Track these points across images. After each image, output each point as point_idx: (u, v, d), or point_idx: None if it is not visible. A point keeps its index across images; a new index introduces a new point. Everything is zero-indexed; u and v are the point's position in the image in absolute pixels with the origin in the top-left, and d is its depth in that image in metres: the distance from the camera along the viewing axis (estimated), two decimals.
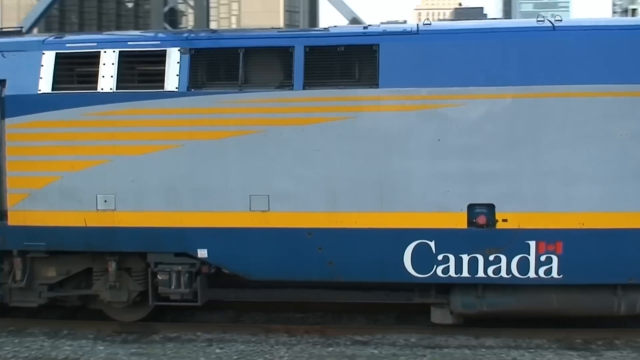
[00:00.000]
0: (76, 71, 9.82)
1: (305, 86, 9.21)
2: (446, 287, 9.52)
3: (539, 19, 9.33)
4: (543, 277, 9.06)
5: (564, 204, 8.91)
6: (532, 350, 9.10)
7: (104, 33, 11.89)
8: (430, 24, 9.50)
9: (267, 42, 9.65)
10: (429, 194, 9.07)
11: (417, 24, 9.61)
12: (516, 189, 8.95)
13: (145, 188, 9.50)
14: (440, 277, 9.22)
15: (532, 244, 8.98)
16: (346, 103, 9.16)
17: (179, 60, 9.43)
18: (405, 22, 10.34)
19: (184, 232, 9.53)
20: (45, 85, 9.63)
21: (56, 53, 9.71)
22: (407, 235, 9.18)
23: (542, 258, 9.00)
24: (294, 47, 9.30)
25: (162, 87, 9.43)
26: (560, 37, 9.04)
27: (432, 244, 9.12)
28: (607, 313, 9.37)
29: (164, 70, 9.46)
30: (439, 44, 9.20)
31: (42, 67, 9.69)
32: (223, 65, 9.57)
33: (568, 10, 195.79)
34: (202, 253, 9.55)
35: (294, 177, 9.25)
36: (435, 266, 9.17)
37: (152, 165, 9.45)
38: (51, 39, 9.99)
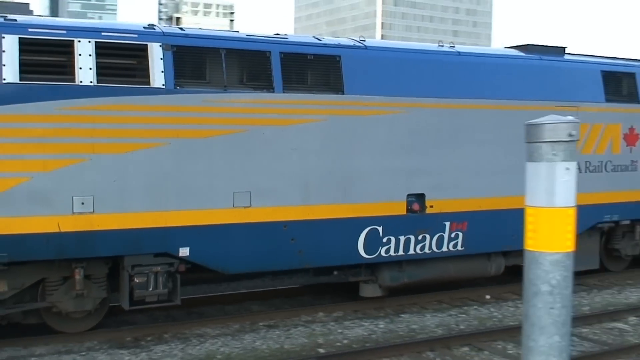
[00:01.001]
0: (46, 60, 8.79)
1: (285, 90, 9.97)
2: (373, 266, 11.20)
3: (440, 44, 11.70)
4: (452, 250, 11.43)
5: (470, 192, 11.45)
6: (83, 353, 9.04)
7: (64, 20, 10.50)
8: (364, 40, 11.09)
9: (246, 45, 9.93)
10: (380, 187, 10.73)
11: (363, 40, 11.13)
12: (440, 181, 11.19)
13: (127, 188, 9.03)
14: (382, 256, 10.87)
15: (447, 224, 11.31)
16: (320, 107, 10.23)
17: (162, 57, 9.24)
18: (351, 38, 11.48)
19: (168, 231, 9.32)
20: (10, 74, 8.45)
21: (19, 38, 8.58)
22: (362, 222, 10.65)
23: (452, 235, 11.38)
24: (270, 52, 9.95)
25: (149, 84, 9.15)
26: (465, 60, 11.57)
27: (380, 229, 10.76)
28: (483, 275, 12.18)
29: (149, 66, 9.16)
30: (383, 58, 10.88)
31: (3, 53, 8.45)
32: (207, 64, 9.60)
33: (115, 13, 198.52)
34: (184, 251, 9.44)
35: (274, 174, 9.93)
36: (380, 248, 10.82)
37: (136, 164, 9.05)
38: (3, 20, 8.71)
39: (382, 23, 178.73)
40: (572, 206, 4.20)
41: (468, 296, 12.33)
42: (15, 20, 8.81)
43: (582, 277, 13.67)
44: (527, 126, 4.29)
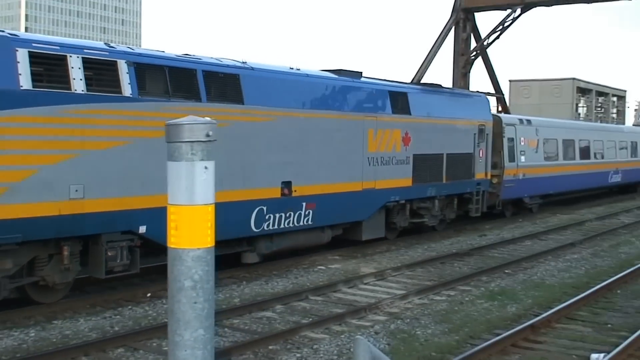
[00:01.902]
0: (49, 70, 10.66)
1: (208, 100, 12.85)
2: (251, 239, 14.35)
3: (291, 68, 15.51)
4: (305, 225, 15.20)
5: (317, 180, 15.42)
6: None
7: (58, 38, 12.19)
8: (246, 62, 14.14)
9: (180, 64, 12.54)
10: (266, 176, 14.13)
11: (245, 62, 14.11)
12: (300, 171, 14.95)
13: (106, 178, 11.10)
14: (265, 230, 14.26)
15: (304, 204, 15.04)
16: (230, 114, 13.24)
17: (127, 71, 11.38)
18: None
19: (132, 213, 11.55)
20: (25, 81, 10.07)
21: (29, 51, 10.23)
22: (254, 204, 13.88)
23: (306, 212, 15.12)
24: (196, 70, 12.78)
25: (121, 93, 11.33)
26: (311, 81, 15.58)
27: (265, 208, 14.09)
28: (319, 243, 16.29)
29: (119, 78, 11.34)
30: (265, 78, 14.28)
31: (18, 64, 10.04)
32: (159, 79, 12.08)
33: None
34: (142, 229, 11.72)
35: None
36: (263, 223, 14.14)
37: (112, 158, 11.18)
38: (17, 36, 10.44)
39: (27, 15, 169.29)
40: (211, 203, 4.37)
41: (123, 297, 12.22)
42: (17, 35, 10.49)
43: (232, 269, 14.39)
44: (168, 126, 4.37)
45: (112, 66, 11.23)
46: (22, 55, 10.06)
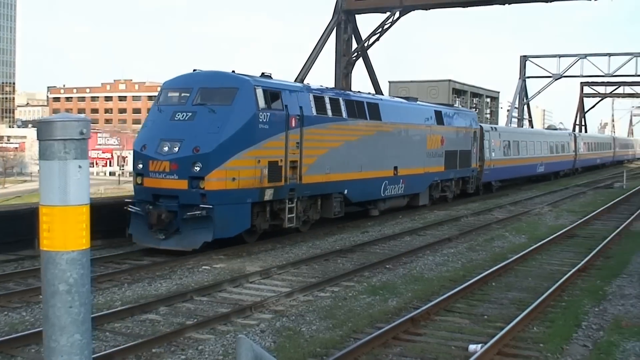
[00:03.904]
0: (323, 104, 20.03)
1: (370, 119, 23.00)
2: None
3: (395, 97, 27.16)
4: (400, 193, 24.95)
5: (408, 165, 25.19)
6: None
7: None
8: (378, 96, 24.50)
9: (354, 97, 22.59)
10: (387, 163, 24.01)
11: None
12: (400, 160, 24.72)
13: (329, 162, 20.28)
14: (385, 195, 24.10)
15: (401, 180, 24.78)
16: (374, 126, 23.25)
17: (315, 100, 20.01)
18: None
19: (344, 182, 21.08)
20: (313, 111, 19.32)
21: (312, 94, 19.71)
22: (383, 179, 23.71)
23: (401, 185, 24.78)
24: (363, 101, 22.70)
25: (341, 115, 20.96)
26: (404, 105, 26.58)
27: (387, 182, 24.00)
28: (402, 205, 26.20)
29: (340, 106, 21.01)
30: (388, 105, 24.78)
31: (310, 101, 19.33)
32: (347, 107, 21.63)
33: None
34: (346, 192, 21.24)
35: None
36: (385, 191, 24.03)
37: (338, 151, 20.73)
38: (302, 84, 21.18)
39: None
40: (86, 204, 4.23)
41: None
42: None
43: (114, 274, 14.00)
44: (39, 123, 4.19)
45: (321, 99, 20.02)
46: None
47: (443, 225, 23.23)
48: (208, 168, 15.72)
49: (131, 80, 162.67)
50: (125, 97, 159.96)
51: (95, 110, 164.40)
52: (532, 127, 60.64)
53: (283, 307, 11.78)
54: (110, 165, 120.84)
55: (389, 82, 38.69)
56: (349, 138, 20.98)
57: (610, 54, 55.34)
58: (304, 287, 13.19)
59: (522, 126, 52.47)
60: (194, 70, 18.17)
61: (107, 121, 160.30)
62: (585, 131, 77.82)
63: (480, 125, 34.65)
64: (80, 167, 4.13)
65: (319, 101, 19.45)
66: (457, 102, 36.61)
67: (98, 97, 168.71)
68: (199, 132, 15.99)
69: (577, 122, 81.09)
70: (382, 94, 32.01)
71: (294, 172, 18.23)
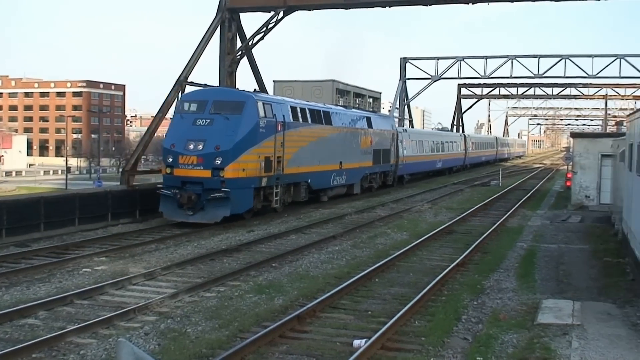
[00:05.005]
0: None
1: (325, 123, 29.46)
2: None
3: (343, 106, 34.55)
4: (343, 182, 31.06)
5: (349, 161, 31.40)
6: None
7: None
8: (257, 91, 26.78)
9: (317, 107, 28.95)
10: (335, 158, 30.00)
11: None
12: (344, 157, 30.78)
13: (304, 156, 26.29)
14: (333, 184, 30.27)
15: (344, 172, 30.97)
16: (326, 129, 29.22)
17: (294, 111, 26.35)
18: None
19: (308, 174, 26.80)
20: (291, 118, 25.10)
21: (290, 105, 25.61)
22: (332, 172, 29.78)
23: (344, 176, 30.96)
24: (329, 111, 29.97)
25: (308, 121, 27.18)
26: (347, 112, 33.41)
27: (335, 174, 30.16)
28: (343, 193, 32.05)
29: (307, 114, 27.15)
30: (335, 112, 30.99)
31: (288, 110, 25.43)
32: (311, 115, 27.75)
33: None
34: (309, 181, 27.06)
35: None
36: (333, 181, 30.12)
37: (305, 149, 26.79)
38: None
39: None
40: None
41: None
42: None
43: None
44: None
45: (295, 109, 25.86)
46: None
47: (328, 223, 23.58)
48: (227, 161, 21.36)
49: (7, 76, 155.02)
50: (1, 93, 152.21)
51: None
52: (413, 127, 62.58)
53: (168, 309, 11.64)
54: None
55: (274, 81, 38.68)
56: (312, 139, 27.05)
57: (486, 57, 57.44)
58: (189, 287, 13.07)
59: (403, 126, 53.99)
60: (205, 85, 26.14)
61: None
62: (463, 131, 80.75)
63: (396, 128, 40.90)
64: None
65: (294, 110, 25.56)
66: (340, 102, 37.25)
67: None
68: (218, 134, 21.57)
69: (455, 123, 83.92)
70: (267, 93, 32.27)
71: (279, 165, 23.96)
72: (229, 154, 21.37)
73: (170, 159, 21.76)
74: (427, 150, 49.16)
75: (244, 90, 23.96)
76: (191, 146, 21.49)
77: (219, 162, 21.23)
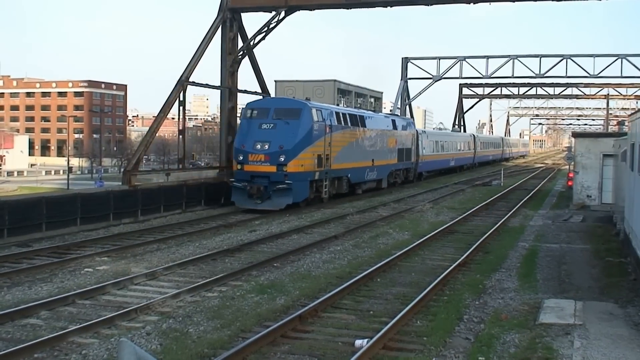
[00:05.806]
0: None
1: (361, 126, 34.23)
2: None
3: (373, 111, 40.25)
4: (374, 177, 35.85)
5: (380, 158, 36.10)
6: None
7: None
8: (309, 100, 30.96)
9: (352, 112, 34.23)
10: (367, 156, 34.67)
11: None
12: (375, 155, 35.53)
13: (345, 155, 30.73)
14: (366, 179, 34.85)
15: (375, 168, 35.66)
16: (361, 130, 33.90)
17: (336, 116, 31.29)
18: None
19: (348, 169, 31.37)
20: (335, 122, 30.28)
21: (334, 111, 30.53)
22: (365, 168, 34.26)
23: (375, 171, 35.33)
24: (363, 115, 34.64)
25: (348, 125, 31.70)
26: (378, 116, 39.02)
27: (367, 169, 34.78)
28: (373, 187, 36.26)
29: (347, 119, 32.25)
30: (368, 116, 35.61)
31: (333, 115, 29.93)
32: (349, 120, 32.52)
33: None
34: (349, 176, 31.97)
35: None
36: (366, 176, 34.81)
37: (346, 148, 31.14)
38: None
39: None
40: None
41: None
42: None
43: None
44: None
45: (338, 114, 30.44)
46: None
47: (329, 223, 23.56)
48: (289, 158, 25.99)
49: (9, 76, 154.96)
50: (3, 93, 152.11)
51: None
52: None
53: (170, 309, 11.64)
54: None
55: (275, 81, 38.61)
56: (351, 139, 31.61)
57: (488, 57, 57.43)
58: (191, 287, 13.05)
59: None
60: (263, 96, 31.47)
61: None
62: (464, 131, 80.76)
63: (416, 130, 45.46)
64: None
65: (337, 115, 30.13)
66: (342, 101, 37.40)
67: None
68: (281, 136, 26.20)
69: (457, 122, 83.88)
70: (269, 93, 32.41)
71: (327, 161, 28.53)
72: (291, 152, 26.01)
73: (241, 157, 26.52)
74: (443, 149, 53.90)
75: (300, 100, 28.87)
76: (258, 146, 26.17)
77: (282, 159, 25.85)
